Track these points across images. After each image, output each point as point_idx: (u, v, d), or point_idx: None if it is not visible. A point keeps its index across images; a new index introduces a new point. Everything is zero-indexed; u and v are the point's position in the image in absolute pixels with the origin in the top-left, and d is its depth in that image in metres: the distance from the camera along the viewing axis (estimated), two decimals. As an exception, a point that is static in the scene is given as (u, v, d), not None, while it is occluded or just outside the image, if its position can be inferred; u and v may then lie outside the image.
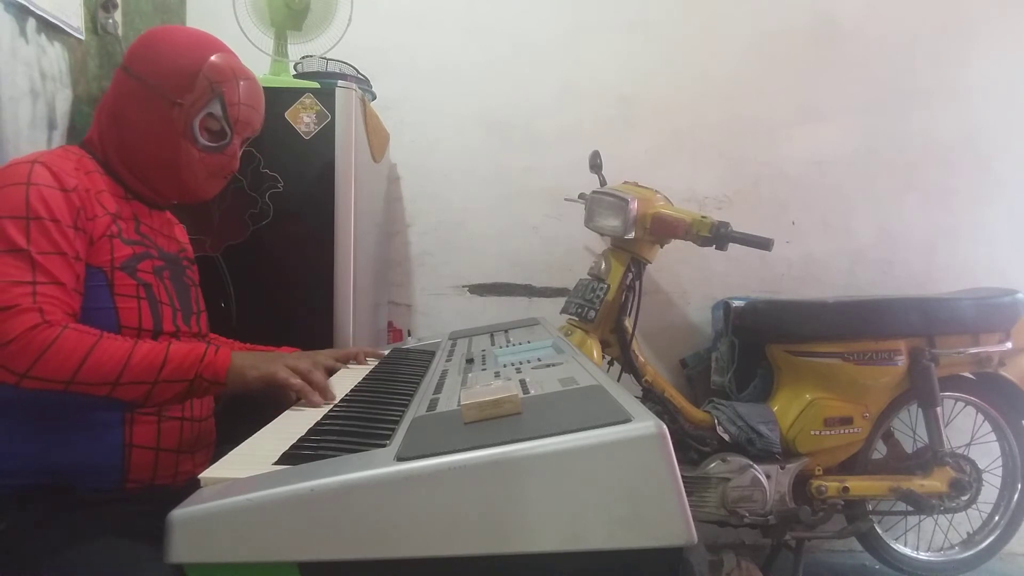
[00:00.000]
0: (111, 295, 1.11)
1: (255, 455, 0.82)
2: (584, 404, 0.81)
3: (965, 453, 2.23)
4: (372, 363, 1.49)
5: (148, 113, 1.20)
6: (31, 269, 1.01)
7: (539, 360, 1.13)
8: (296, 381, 1.07)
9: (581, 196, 2.21)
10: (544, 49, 2.45)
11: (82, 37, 1.58)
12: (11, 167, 1.07)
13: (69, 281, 1.04)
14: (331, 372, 1.44)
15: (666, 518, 0.67)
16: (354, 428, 0.89)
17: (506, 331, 1.58)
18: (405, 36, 2.39)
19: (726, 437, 2.02)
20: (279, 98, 1.67)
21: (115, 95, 1.22)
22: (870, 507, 2.20)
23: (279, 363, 1.10)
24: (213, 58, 1.22)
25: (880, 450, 2.27)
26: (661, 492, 0.67)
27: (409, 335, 2.44)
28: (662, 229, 1.98)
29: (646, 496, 0.67)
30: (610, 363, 2.10)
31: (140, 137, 1.21)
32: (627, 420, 0.70)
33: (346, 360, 1.50)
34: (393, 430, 0.85)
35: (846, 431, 2.07)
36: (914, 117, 2.55)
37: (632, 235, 1.99)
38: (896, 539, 2.34)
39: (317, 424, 0.93)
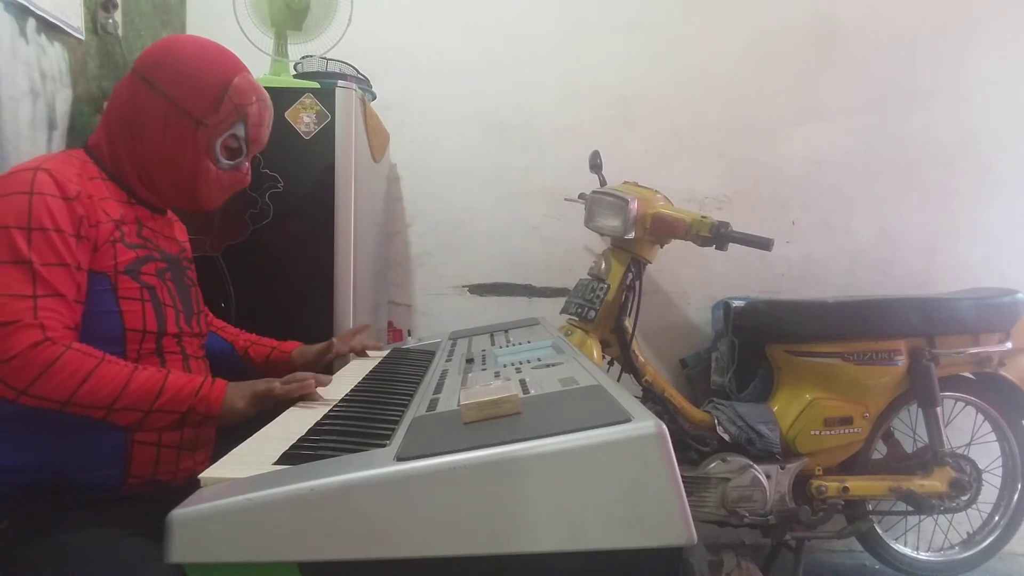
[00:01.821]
0: (115, 299, 1.12)
1: (255, 455, 0.82)
2: (584, 404, 0.81)
3: (965, 453, 2.23)
4: (374, 359, 1.50)
5: (171, 130, 1.19)
6: (32, 281, 1.01)
7: (539, 360, 1.13)
8: (293, 385, 1.11)
9: (581, 196, 2.21)
10: (544, 49, 2.45)
11: (82, 37, 1.58)
12: (14, 174, 1.07)
13: (70, 293, 1.05)
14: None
15: (666, 518, 0.67)
16: (354, 428, 0.89)
17: (506, 331, 1.59)
18: (405, 36, 2.39)
19: (726, 437, 2.02)
20: (279, 98, 1.66)
21: (133, 105, 1.20)
22: (870, 507, 2.20)
23: (269, 382, 1.12)
24: (237, 80, 1.23)
25: (880, 450, 2.27)
26: (661, 492, 0.67)
27: (409, 335, 2.44)
28: (662, 229, 1.98)
29: (646, 496, 0.67)
30: (610, 363, 2.10)
31: (159, 151, 1.20)
32: (627, 420, 0.70)
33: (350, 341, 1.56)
34: (393, 430, 0.86)
35: (846, 431, 2.07)
36: (914, 117, 2.55)
37: (632, 235, 1.99)
38: (896, 539, 2.34)
39: (317, 424, 0.94)
